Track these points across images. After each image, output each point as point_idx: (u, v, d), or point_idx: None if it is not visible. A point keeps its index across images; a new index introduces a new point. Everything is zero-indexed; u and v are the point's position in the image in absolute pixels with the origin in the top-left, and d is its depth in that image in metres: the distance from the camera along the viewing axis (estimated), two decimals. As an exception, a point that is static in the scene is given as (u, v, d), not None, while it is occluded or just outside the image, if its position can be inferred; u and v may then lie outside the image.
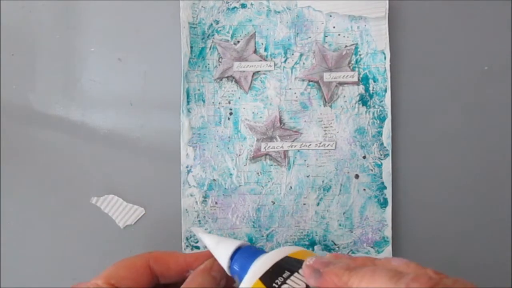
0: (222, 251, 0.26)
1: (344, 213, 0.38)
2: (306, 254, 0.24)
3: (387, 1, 0.37)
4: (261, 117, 0.38)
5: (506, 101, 0.38)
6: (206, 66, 0.38)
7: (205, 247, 0.28)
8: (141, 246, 0.38)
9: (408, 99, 0.38)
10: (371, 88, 0.38)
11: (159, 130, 0.39)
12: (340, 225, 0.38)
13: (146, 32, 0.39)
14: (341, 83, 0.38)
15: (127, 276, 0.25)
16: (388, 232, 0.38)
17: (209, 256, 0.27)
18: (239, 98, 0.38)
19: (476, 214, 0.38)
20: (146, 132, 0.39)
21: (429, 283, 0.18)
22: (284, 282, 0.23)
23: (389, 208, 0.38)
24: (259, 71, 0.38)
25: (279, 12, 0.38)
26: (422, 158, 0.38)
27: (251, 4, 0.38)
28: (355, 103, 0.38)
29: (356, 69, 0.38)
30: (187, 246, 0.38)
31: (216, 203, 0.38)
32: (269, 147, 0.38)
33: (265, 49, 0.38)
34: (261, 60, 0.38)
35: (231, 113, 0.38)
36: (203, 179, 0.38)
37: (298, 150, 0.38)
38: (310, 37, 0.38)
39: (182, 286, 0.25)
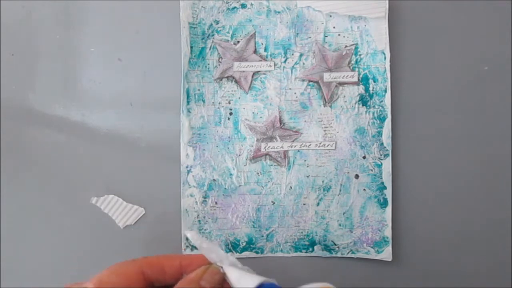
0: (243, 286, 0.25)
1: (344, 213, 0.38)
2: None
3: (387, 1, 0.37)
4: (261, 117, 0.38)
5: (506, 101, 0.38)
6: (206, 66, 0.38)
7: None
8: (141, 246, 0.38)
9: (408, 99, 0.38)
10: (371, 88, 0.38)
11: (159, 130, 0.39)
12: (340, 225, 0.38)
13: (146, 32, 0.39)
14: (341, 83, 0.38)
15: (118, 282, 0.24)
16: (388, 232, 0.38)
17: (205, 260, 0.26)
18: (239, 98, 0.38)
19: (476, 214, 0.38)
20: (146, 132, 0.39)
21: None
22: None
23: (389, 208, 0.38)
24: (259, 71, 0.38)
25: (279, 12, 0.38)
26: (422, 158, 0.38)
27: (251, 4, 0.38)
28: (355, 103, 0.38)
29: (356, 69, 0.38)
30: (187, 246, 0.38)
31: (216, 203, 0.38)
32: (269, 147, 0.38)
33: (265, 49, 0.38)
34: (261, 60, 0.38)
35: (231, 113, 0.38)
36: (203, 179, 0.38)
37: (298, 150, 0.38)
38: (310, 37, 0.38)
39: None
